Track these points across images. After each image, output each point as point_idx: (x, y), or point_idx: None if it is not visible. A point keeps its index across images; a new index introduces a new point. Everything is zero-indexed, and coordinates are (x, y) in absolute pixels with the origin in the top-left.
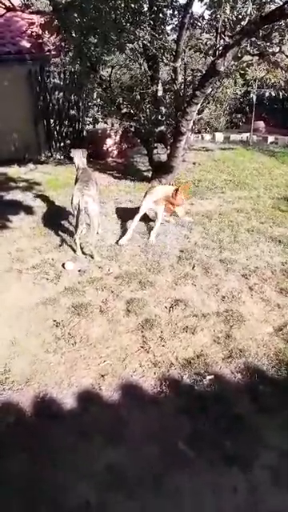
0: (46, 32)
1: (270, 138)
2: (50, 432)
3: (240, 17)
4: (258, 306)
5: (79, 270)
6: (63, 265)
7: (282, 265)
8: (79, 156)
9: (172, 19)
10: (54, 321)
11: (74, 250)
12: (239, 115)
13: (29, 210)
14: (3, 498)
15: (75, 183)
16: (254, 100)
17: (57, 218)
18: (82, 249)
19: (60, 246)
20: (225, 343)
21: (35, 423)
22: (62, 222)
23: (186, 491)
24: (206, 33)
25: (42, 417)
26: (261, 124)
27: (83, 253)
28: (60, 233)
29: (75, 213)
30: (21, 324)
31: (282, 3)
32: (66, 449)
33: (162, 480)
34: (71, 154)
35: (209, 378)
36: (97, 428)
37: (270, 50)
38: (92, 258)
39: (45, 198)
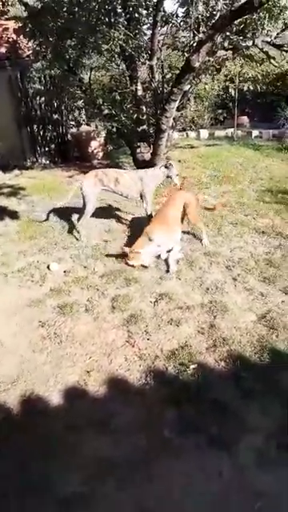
0: (22, 37)
1: (255, 132)
2: (37, 427)
3: (214, 13)
4: (241, 295)
5: (64, 271)
6: (48, 266)
7: (266, 254)
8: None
9: (148, 18)
10: (40, 321)
11: (77, 239)
12: (220, 111)
13: (14, 215)
14: None
15: None
16: (236, 95)
17: (41, 222)
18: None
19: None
20: (209, 333)
21: (22, 420)
22: (47, 225)
23: (173, 476)
24: (182, 30)
25: (28, 414)
26: (245, 119)
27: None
28: (45, 235)
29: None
30: (7, 326)
31: None
32: (53, 442)
33: (150, 467)
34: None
35: (192, 367)
36: (83, 421)
37: (244, 44)
38: (77, 239)
39: (29, 202)
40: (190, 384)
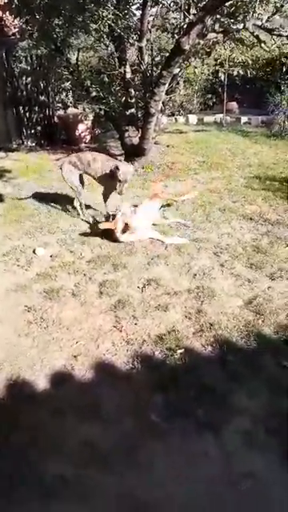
0: (7, 14)
1: (244, 119)
2: (23, 411)
3: None
4: (228, 281)
5: (51, 256)
6: (34, 251)
7: (253, 241)
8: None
9: None
10: (26, 306)
11: (78, 214)
12: (209, 96)
13: None
14: None
15: None
16: (225, 80)
17: (27, 204)
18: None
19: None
20: (196, 318)
21: (7, 404)
22: (32, 208)
23: (161, 460)
24: (172, 12)
25: (14, 398)
26: (234, 105)
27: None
28: (31, 219)
29: None
30: None
31: None
32: (39, 426)
33: (137, 452)
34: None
35: (179, 351)
36: (70, 405)
37: (235, 27)
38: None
39: (15, 185)
40: (177, 368)
